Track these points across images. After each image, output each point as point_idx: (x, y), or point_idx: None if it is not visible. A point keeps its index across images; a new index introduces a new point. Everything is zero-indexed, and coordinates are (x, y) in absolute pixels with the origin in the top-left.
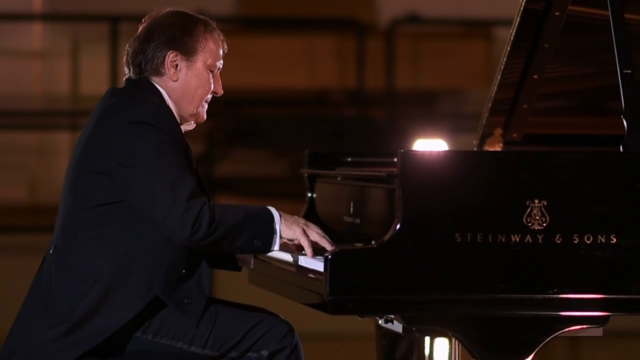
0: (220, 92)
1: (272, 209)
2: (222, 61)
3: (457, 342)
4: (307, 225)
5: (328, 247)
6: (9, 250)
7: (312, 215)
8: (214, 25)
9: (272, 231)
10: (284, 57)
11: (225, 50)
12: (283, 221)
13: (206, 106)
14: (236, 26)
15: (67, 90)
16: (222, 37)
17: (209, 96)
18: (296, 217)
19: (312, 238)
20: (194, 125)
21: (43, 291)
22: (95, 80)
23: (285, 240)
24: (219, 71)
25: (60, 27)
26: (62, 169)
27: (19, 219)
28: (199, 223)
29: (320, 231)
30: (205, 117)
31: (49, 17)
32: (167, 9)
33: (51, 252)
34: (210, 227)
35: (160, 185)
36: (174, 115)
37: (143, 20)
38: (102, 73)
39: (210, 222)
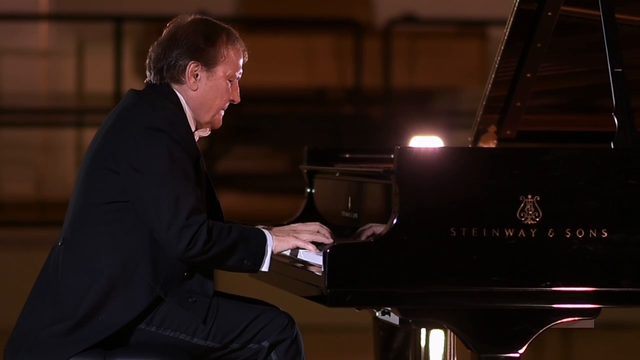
0: (238, 100)
1: (266, 230)
2: (241, 70)
3: (452, 333)
4: (296, 231)
5: (325, 241)
6: (16, 244)
7: (311, 210)
8: (237, 35)
9: (263, 253)
10: (284, 56)
11: (246, 60)
12: (275, 239)
13: (222, 113)
14: (237, 26)
15: (72, 88)
16: (243, 47)
17: (226, 104)
18: (285, 227)
19: (305, 239)
20: (209, 132)
21: (50, 281)
22: (99, 79)
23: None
24: (237, 80)
25: (66, 26)
26: (67, 165)
27: (25, 214)
28: (195, 241)
29: (311, 228)
30: (221, 123)
31: (54, 17)
32: (192, 16)
33: (60, 244)
34: (205, 246)
35: (165, 198)
36: (188, 125)
37: (167, 25)
38: (106, 72)
39: (207, 241)
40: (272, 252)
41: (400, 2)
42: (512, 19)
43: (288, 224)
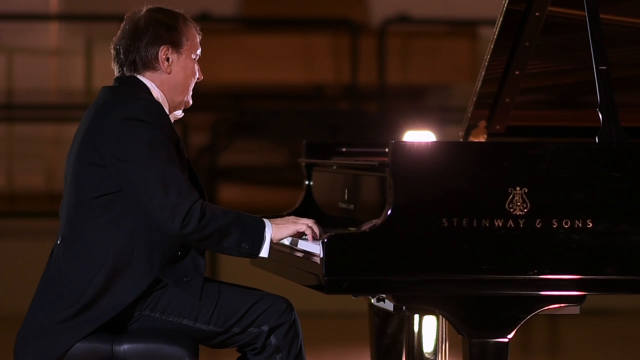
0: (201, 77)
1: (265, 220)
2: (200, 48)
3: (444, 319)
4: (296, 219)
5: (317, 236)
6: (28, 234)
7: (309, 202)
8: (190, 18)
9: (262, 238)
10: (283, 54)
11: (200, 38)
12: (274, 227)
13: (191, 92)
14: (238, 25)
15: (81, 85)
16: (197, 28)
17: (194, 83)
18: (285, 217)
19: (305, 223)
20: (182, 114)
21: (53, 280)
22: (107, 76)
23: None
24: (198, 58)
25: (75, 26)
26: None
27: (36, 205)
28: (189, 217)
29: (310, 222)
30: (191, 102)
31: (64, 17)
32: (146, 7)
33: (59, 242)
34: (200, 222)
35: (153, 181)
36: (164, 111)
37: (124, 19)
38: (113, 69)
39: (201, 217)
40: (271, 240)
41: (394, 3)
42: (501, 19)
43: (288, 215)
